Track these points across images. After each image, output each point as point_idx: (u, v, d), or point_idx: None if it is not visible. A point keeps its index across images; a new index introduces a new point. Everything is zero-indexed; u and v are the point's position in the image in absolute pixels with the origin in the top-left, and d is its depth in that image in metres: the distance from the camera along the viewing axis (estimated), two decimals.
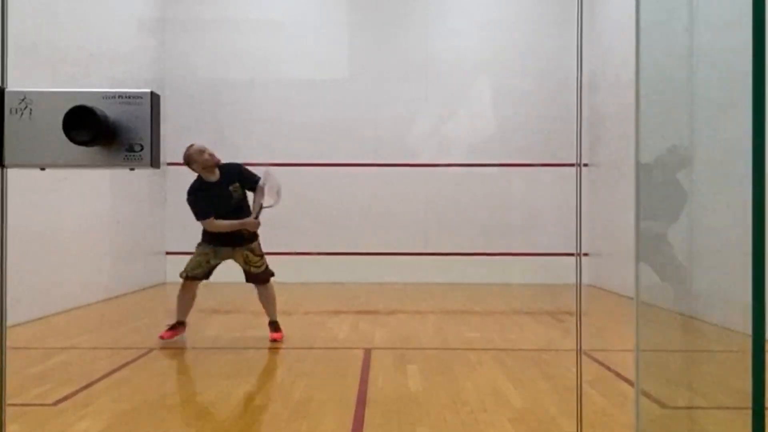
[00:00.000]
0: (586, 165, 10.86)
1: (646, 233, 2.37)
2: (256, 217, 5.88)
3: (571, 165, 10.57)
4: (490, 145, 11.25)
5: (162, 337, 5.80)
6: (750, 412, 1.73)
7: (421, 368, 5.06)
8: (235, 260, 6.01)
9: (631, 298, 2.32)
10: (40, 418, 3.81)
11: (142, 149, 1.22)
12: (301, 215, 11.22)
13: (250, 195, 6.03)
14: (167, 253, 11.15)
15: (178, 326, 5.93)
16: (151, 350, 5.57)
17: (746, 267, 1.75)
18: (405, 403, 4.08)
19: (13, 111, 1.23)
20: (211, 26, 11.29)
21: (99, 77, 8.44)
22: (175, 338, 5.87)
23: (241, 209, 5.91)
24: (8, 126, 1.23)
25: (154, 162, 1.23)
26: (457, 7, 11.57)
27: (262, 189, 5.84)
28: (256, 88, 11.33)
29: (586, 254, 10.63)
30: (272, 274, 6.11)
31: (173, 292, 6.13)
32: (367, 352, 5.65)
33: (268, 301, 6.16)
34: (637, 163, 2.34)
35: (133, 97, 1.23)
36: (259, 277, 6.05)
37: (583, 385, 4.28)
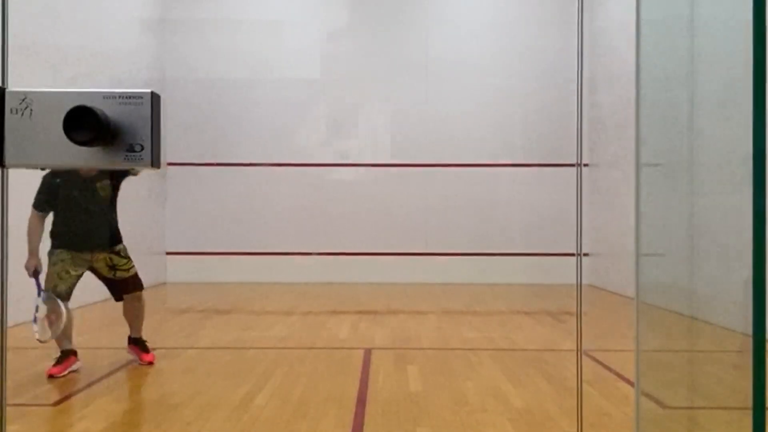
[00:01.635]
0: (586, 165, 10.87)
1: (646, 233, 2.37)
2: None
3: (571, 165, 10.57)
4: (491, 145, 11.26)
5: (51, 374, 4.60)
6: (750, 412, 1.73)
7: (421, 368, 5.06)
8: (97, 269, 4.98)
9: (631, 298, 2.32)
10: (40, 418, 3.81)
11: (142, 149, 1.22)
12: (301, 215, 11.23)
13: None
14: (167, 253, 11.14)
15: (69, 356, 4.77)
16: (151, 350, 5.56)
17: (746, 267, 1.75)
18: (405, 403, 4.08)
19: (14, 111, 1.23)
20: (211, 26, 11.29)
21: (99, 77, 8.44)
22: (68, 371, 4.71)
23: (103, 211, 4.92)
24: (8, 126, 1.23)
25: (155, 162, 1.23)
26: (457, 7, 11.57)
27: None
28: (256, 88, 11.33)
29: (586, 254, 10.63)
30: (142, 286, 5.17)
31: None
32: (367, 352, 5.65)
33: (136, 316, 5.12)
34: (637, 163, 2.35)
35: (134, 97, 1.23)
36: (127, 283, 5.02)
37: (583, 385, 4.28)
